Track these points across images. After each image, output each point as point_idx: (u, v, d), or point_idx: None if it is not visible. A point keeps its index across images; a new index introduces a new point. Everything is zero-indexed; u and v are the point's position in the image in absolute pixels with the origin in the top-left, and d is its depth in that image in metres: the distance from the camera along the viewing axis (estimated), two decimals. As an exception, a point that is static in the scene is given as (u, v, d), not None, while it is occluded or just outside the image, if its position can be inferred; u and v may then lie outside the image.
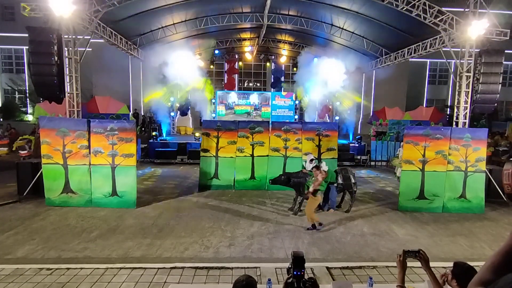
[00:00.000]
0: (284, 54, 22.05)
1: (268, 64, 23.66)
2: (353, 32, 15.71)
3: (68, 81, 9.64)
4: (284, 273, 4.73)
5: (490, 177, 8.98)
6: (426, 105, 24.35)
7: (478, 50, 10.57)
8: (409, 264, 2.42)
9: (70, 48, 9.40)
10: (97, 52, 17.86)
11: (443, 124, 15.49)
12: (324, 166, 8.17)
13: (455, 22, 10.23)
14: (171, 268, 4.91)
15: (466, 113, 10.47)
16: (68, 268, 4.84)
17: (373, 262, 5.31)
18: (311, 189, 6.64)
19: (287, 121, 17.96)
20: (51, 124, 8.13)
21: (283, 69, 23.17)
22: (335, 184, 8.03)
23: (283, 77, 23.16)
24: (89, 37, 10.55)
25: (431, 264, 2.44)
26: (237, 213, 7.73)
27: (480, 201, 8.28)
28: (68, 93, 9.68)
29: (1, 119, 22.03)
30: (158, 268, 4.88)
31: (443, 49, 11.62)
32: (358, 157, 15.14)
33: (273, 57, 22.85)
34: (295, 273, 2.24)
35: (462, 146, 8.32)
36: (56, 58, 9.35)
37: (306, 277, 2.26)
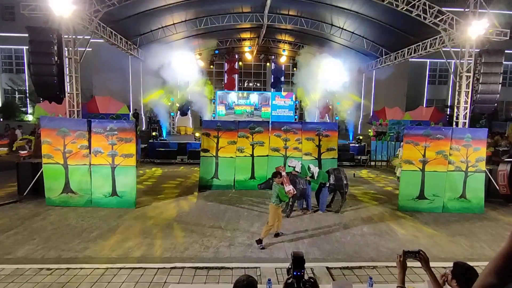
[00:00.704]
0: (284, 54, 22.07)
1: (268, 64, 23.67)
2: (353, 32, 15.71)
3: (68, 81, 9.65)
4: (284, 273, 4.73)
5: (490, 177, 8.99)
6: (426, 105, 24.38)
7: (478, 50, 10.57)
8: (409, 264, 2.42)
9: (70, 48, 9.40)
10: (97, 52, 17.87)
11: (443, 124, 15.49)
12: (313, 168, 8.14)
13: (455, 22, 10.23)
14: (171, 268, 4.91)
15: (466, 113, 10.47)
16: (68, 268, 4.84)
17: (373, 262, 5.31)
18: (272, 199, 6.04)
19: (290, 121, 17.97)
20: (52, 124, 8.13)
21: (283, 69, 23.19)
22: (327, 184, 7.99)
23: (283, 77, 23.18)
24: (89, 37, 10.56)
25: (431, 264, 2.44)
26: (237, 213, 7.73)
27: (480, 201, 8.28)
28: (68, 93, 9.68)
29: (1, 119, 22.03)
30: (158, 268, 4.88)
31: (443, 49, 11.63)
32: (358, 157, 15.14)
33: (273, 57, 22.87)
34: (295, 273, 2.24)
35: (463, 146, 8.32)
36: (56, 58, 9.35)
37: (306, 277, 2.25)
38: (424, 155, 8.30)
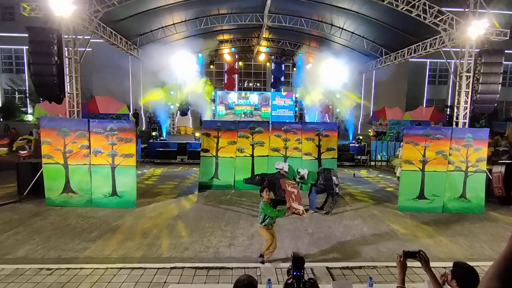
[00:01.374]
0: (284, 54, 22.06)
1: (268, 64, 23.66)
2: (353, 32, 15.71)
3: (68, 81, 9.65)
4: (284, 273, 4.73)
5: (490, 177, 8.98)
6: (426, 105, 24.37)
7: (478, 50, 10.57)
8: (409, 264, 2.42)
9: (70, 48, 9.41)
10: (97, 52, 17.88)
11: (443, 124, 15.50)
12: (302, 171, 8.08)
13: (455, 22, 10.23)
14: (171, 268, 4.91)
15: (466, 113, 10.47)
16: (68, 268, 4.84)
17: (373, 262, 5.31)
18: (259, 219, 5.17)
19: (287, 121, 17.98)
20: (52, 124, 8.13)
21: (283, 69, 23.18)
22: (317, 184, 7.92)
23: (283, 77, 23.18)
24: (89, 37, 10.56)
25: (431, 264, 2.44)
26: (237, 213, 7.72)
27: (480, 201, 8.27)
28: (68, 93, 9.69)
29: (1, 119, 22.03)
30: (158, 268, 4.88)
31: (443, 49, 11.63)
32: (358, 157, 15.14)
33: (273, 57, 22.86)
34: (294, 273, 2.24)
35: (463, 146, 8.32)
36: (56, 58, 9.36)
37: (306, 277, 2.26)
38: (424, 155, 8.30)
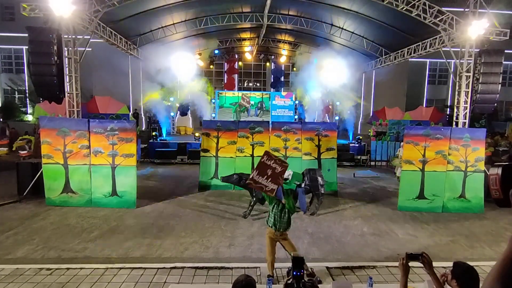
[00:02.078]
0: (284, 54, 22.06)
1: (268, 64, 23.66)
2: (353, 32, 15.71)
3: (68, 81, 9.65)
4: (284, 273, 4.73)
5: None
6: (426, 105, 24.36)
7: (478, 50, 10.57)
8: (409, 264, 2.42)
9: (70, 48, 9.41)
10: (97, 52, 17.85)
11: (443, 124, 15.50)
12: (286, 172, 7.92)
13: (455, 22, 10.23)
14: (171, 268, 4.91)
15: (466, 113, 10.47)
16: (68, 268, 4.84)
17: (373, 262, 5.31)
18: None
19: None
20: (52, 124, 8.14)
21: (283, 69, 23.18)
22: (302, 185, 7.78)
23: (283, 77, 23.18)
24: (89, 37, 10.55)
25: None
26: (237, 213, 7.72)
27: (480, 201, 8.28)
28: (68, 93, 9.68)
29: (1, 119, 22.02)
30: (158, 268, 4.88)
31: (443, 49, 11.62)
32: (358, 157, 15.14)
33: (273, 57, 22.86)
34: (294, 273, 2.24)
35: (462, 146, 8.34)
36: (56, 58, 9.35)
37: (306, 278, 2.26)
38: (424, 155, 8.30)
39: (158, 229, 6.63)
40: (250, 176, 4.79)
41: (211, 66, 22.46)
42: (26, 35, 9.30)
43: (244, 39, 20.29)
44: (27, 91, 23.43)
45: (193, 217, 7.44)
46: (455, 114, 10.68)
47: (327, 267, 5.01)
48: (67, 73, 9.59)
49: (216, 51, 20.93)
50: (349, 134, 19.07)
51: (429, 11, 10.28)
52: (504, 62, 10.73)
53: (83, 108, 11.55)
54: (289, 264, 2.80)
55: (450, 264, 2.41)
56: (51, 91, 9.79)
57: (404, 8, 10.37)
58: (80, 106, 9.86)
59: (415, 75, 24.82)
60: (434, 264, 2.28)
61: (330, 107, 21.51)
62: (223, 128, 10.09)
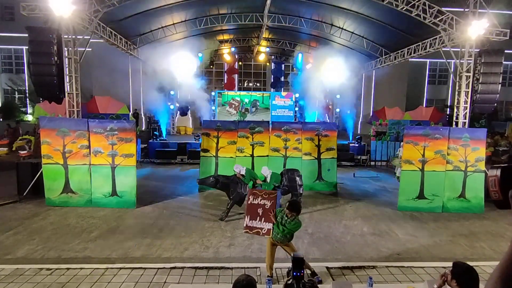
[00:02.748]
0: (284, 54, 22.06)
1: (268, 64, 23.66)
2: (353, 32, 15.71)
3: (68, 81, 9.65)
4: (284, 273, 4.73)
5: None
6: (426, 105, 24.38)
7: (478, 50, 10.57)
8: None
9: (70, 48, 9.40)
10: (97, 52, 17.88)
11: (443, 124, 15.50)
12: (266, 171, 7.67)
13: (455, 22, 10.23)
14: (171, 268, 4.91)
15: (466, 113, 10.47)
16: (68, 268, 4.84)
17: (373, 262, 5.31)
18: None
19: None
20: (51, 124, 8.13)
21: (283, 69, 23.19)
22: (281, 186, 7.69)
23: (283, 77, 23.19)
24: (89, 37, 10.55)
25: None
26: (237, 213, 7.72)
27: (480, 201, 8.29)
28: (68, 93, 9.68)
29: (1, 119, 22.03)
30: (158, 268, 4.88)
31: (443, 49, 11.62)
32: (358, 157, 15.14)
33: (273, 57, 22.86)
34: (294, 274, 2.24)
35: (461, 146, 8.34)
36: (56, 58, 9.35)
37: (306, 278, 2.26)
38: (423, 155, 8.31)
39: (158, 229, 6.63)
40: (244, 225, 4.63)
41: (211, 66, 22.47)
42: (26, 35, 9.30)
43: (244, 39, 20.30)
44: (27, 91, 23.44)
45: (193, 217, 7.44)
46: (455, 114, 10.68)
47: (327, 267, 5.01)
48: (67, 73, 9.58)
49: (233, 48, 20.92)
50: (349, 134, 19.07)
51: (429, 11, 10.28)
52: (504, 62, 10.73)
53: (83, 108, 11.54)
54: (289, 265, 2.81)
55: (450, 264, 2.40)
56: (51, 91, 9.79)
57: (404, 8, 10.37)
58: (80, 106, 9.86)
59: (415, 75, 24.84)
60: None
61: (330, 107, 21.51)
62: (223, 128, 10.10)
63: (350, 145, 15.99)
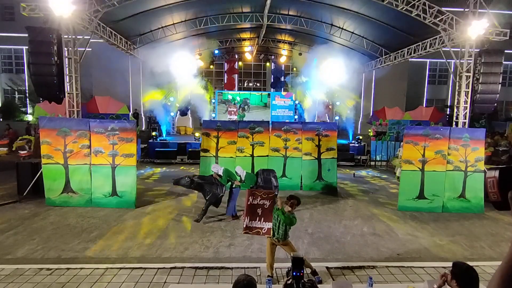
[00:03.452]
0: (284, 54, 22.07)
1: (268, 64, 23.66)
2: (353, 32, 15.71)
3: (68, 81, 9.66)
4: (284, 273, 4.73)
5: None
6: (426, 105, 24.38)
7: (478, 50, 10.57)
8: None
9: (70, 48, 9.41)
10: (97, 52, 17.86)
11: (443, 124, 15.50)
12: (241, 171, 7.51)
13: (455, 22, 10.24)
14: (171, 268, 4.91)
15: (466, 113, 10.48)
16: (68, 268, 4.84)
17: (373, 262, 5.30)
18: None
19: (287, 121, 17.99)
20: (52, 124, 8.13)
21: (283, 69, 23.18)
22: (255, 187, 7.49)
23: (283, 77, 23.19)
24: (89, 37, 10.55)
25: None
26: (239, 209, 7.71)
27: (480, 200, 8.29)
28: (68, 93, 9.69)
29: (1, 119, 22.03)
30: (158, 268, 4.88)
31: (443, 49, 11.63)
32: (358, 157, 15.15)
33: (273, 57, 22.86)
34: (294, 273, 2.24)
35: (461, 146, 8.35)
36: (56, 58, 9.36)
37: (306, 277, 2.26)
38: (423, 155, 8.31)
39: (158, 229, 6.63)
40: (244, 225, 4.54)
41: (211, 66, 22.46)
42: (26, 35, 9.30)
43: (244, 39, 20.29)
44: (27, 91, 23.43)
45: (193, 217, 7.43)
46: (455, 114, 10.69)
47: (327, 267, 5.01)
48: (67, 73, 9.59)
49: (216, 51, 20.94)
50: (349, 134, 19.07)
51: (429, 11, 10.28)
52: (504, 62, 10.75)
53: (83, 108, 11.55)
54: (289, 264, 2.81)
55: (450, 264, 2.40)
56: (51, 91, 9.80)
57: (404, 8, 10.37)
58: (80, 106, 9.86)
59: (415, 75, 24.83)
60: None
61: (330, 107, 21.51)
62: (223, 128, 10.10)
63: (350, 145, 16.00)
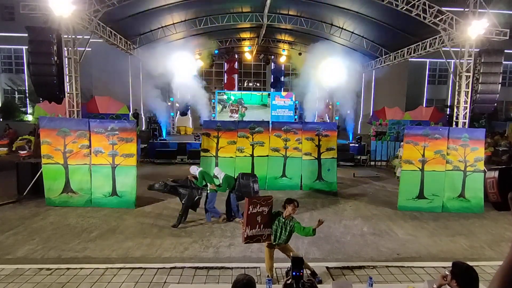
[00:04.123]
0: (284, 54, 22.07)
1: (268, 64, 23.66)
2: (352, 32, 15.71)
3: (67, 81, 9.65)
4: (283, 273, 4.73)
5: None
6: (426, 105, 24.38)
7: (478, 50, 10.57)
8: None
9: (70, 48, 9.40)
10: (97, 52, 17.87)
11: (443, 124, 15.50)
12: (219, 173, 7.29)
13: (455, 22, 10.23)
14: (171, 268, 4.91)
15: (466, 113, 10.48)
16: (68, 268, 4.84)
17: (373, 262, 5.31)
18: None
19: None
20: (52, 124, 8.13)
21: (283, 69, 23.18)
22: (233, 191, 7.21)
23: (283, 77, 23.19)
24: (89, 37, 10.55)
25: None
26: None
27: (480, 200, 8.29)
28: (68, 93, 9.69)
29: (1, 119, 22.02)
30: (158, 268, 4.88)
31: (443, 49, 11.62)
32: (358, 157, 15.14)
33: (273, 57, 22.86)
34: (293, 273, 2.24)
35: (460, 146, 8.36)
36: (55, 58, 9.36)
37: (305, 277, 2.26)
38: (423, 155, 8.31)
39: (158, 229, 6.63)
40: (244, 236, 4.42)
41: (211, 66, 22.46)
42: (26, 35, 9.30)
43: (244, 39, 20.29)
44: (27, 91, 23.42)
45: (193, 217, 7.43)
46: (455, 114, 10.69)
47: (327, 267, 5.01)
48: (67, 73, 9.59)
49: (216, 51, 20.95)
50: (349, 134, 19.06)
51: (429, 11, 10.28)
52: (504, 62, 10.76)
53: (83, 108, 11.54)
54: (289, 264, 2.81)
55: (450, 264, 2.40)
56: (51, 91, 9.80)
57: (404, 8, 10.37)
58: (80, 106, 9.86)
59: (415, 75, 24.83)
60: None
61: (330, 107, 21.51)
62: (223, 128, 10.10)
63: (350, 145, 15.99)
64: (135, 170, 8.21)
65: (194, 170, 7.26)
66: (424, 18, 10.40)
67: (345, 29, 15.66)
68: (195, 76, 17.45)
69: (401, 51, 14.81)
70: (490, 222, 7.56)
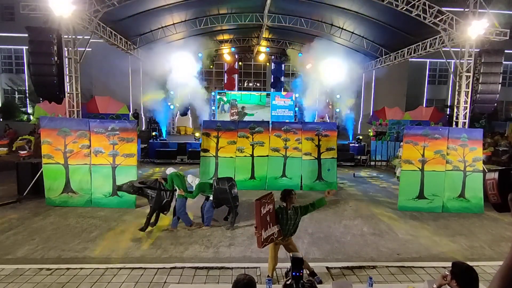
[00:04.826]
0: (283, 54, 22.06)
1: (268, 64, 23.66)
2: (352, 32, 15.71)
3: (68, 81, 9.66)
4: (283, 273, 4.73)
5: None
6: (426, 105, 24.37)
7: (478, 50, 10.57)
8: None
9: (70, 48, 9.41)
10: (97, 52, 17.87)
11: (443, 124, 15.50)
12: (192, 179, 6.99)
13: (455, 22, 10.24)
14: (171, 268, 4.91)
15: (466, 113, 10.48)
16: (68, 268, 4.84)
17: (373, 262, 5.31)
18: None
19: (287, 121, 17.99)
20: (52, 124, 8.14)
21: (283, 69, 23.18)
22: (210, 197, 6.85)
23: (283, 77, 23.18)
24: (89, 37, 10.55)
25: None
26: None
27: (479, 200, 8.29)
28: (68, 93, 9.69)
29: (1, 119, 22.03)
30: (158, 268, 4.88)
31: (443, 49, 11.63)
32: (358, 157, 15.14)
33: (273, 57, 22.85)
34: (293, 274, 2.24)
35: (460, 146, 8.37)
36: (56, 58, 9.37)
37: (305, 277, 2.26)
38: (423, 155, 8.31)
39: (158, 229, 6.63)
40: (261, 240, 4.22)
41: (211, 66, 22.46)
42: (26, 35, 9.30)
43: (244, 39, 20.29)
44: (27, 91, 23.42)
45: (193, 217, 7.42)
46: (455, 114, 10.69)
47: (327, 267, 5.01)
48: (67, 73, 9.59)
49: (233, 48, 20.96)
50: (349, 134, 19.06)
51: (429, 11, 10.28)
52: (504, 62, 10.77)
53: (83, 108, 11.54)
54: (289, 264, 2.81)
55: (450, 264, 2.40)
56: (51, 91, 9.81)
57: (404, 8, 10.37)
58: (80, 106, 9.86)
59: (415, 75, 24.82)
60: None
61: (330, 106, 21.51)
62: (223, 128, 10.10)
63: (350, 145, 16.00)
64: (136, 170, 8.22)
65: (169, 170, 6.95)
66: (424, 18, 10.40)
67: (345, 29, 15.66)
68: (195, 76, 17.44)
69: (401, 51, 14.81)
70: (490, 222, 7.56)
